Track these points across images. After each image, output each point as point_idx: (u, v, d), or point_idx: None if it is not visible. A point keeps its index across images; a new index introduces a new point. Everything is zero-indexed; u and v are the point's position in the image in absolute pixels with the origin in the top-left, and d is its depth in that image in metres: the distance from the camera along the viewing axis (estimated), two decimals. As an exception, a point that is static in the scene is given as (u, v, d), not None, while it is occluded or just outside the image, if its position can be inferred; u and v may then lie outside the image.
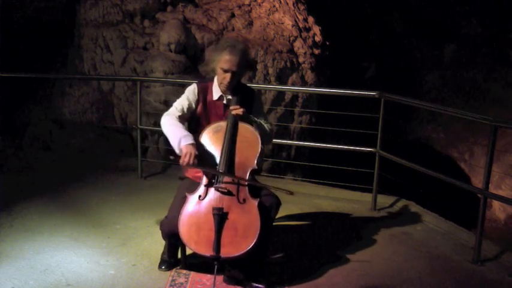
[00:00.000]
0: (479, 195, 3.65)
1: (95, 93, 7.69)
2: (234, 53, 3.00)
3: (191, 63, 7.44)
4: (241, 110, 2.97)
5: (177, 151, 2.93)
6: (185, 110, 3.14)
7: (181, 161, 2.87)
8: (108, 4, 7.93)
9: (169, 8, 8.13)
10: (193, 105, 3.17)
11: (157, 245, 3.52)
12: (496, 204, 9.57)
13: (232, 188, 2.89)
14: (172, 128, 3.01)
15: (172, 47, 7.33)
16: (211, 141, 3.02)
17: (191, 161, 2.85)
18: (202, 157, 2.96)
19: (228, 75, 3.02)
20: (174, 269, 3.25)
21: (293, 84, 8.06)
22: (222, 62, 3.02)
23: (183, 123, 3.08)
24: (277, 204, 3.06)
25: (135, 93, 5.63)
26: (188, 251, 3.13)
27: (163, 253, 3.33)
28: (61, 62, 8.33)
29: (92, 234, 3.83)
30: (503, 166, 9.51)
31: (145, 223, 4.06)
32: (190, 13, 8.12)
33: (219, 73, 3.07)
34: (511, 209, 9.20)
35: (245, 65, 3.09)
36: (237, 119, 3.01)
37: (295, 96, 8.15)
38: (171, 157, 2.97)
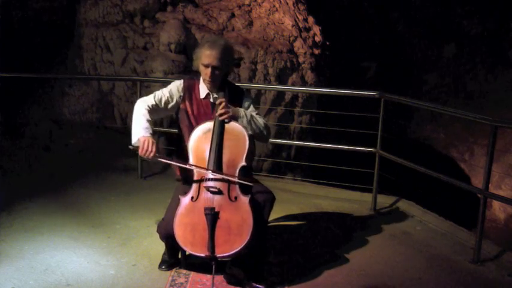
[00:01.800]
0: (479, 195, 3.65)
1: (95, 93, 7.69)
2: (214, 47, 3.00)
3: (191, 63, 7.43)
4: (226, 110, 2.94)
5: (133, 141, 2.96)
6: (162, 101, 3.14)
7: (140, 151, 2.89)
8: (108, 4, 7.93)
9: (169, 8, 8.13)
10: (175, 100, 3.16)
11: (157, 245, 3.52)
12: (496, 204, 9.57)
13: (223, 186, 2.88)
14: (137, 117, 3.02)
15: (172, 47, 7.33)
16: (201, 142, 3.01)
17: (150, 149, 2.87)
18: (194, 158, 2.98)
19: (209, 70, 3.02)
20: (174, 269, 3.26)
21: (293, 84, 8.05)
22: (202, 58, 3.03)
23: (154, 113, 3.09)
24: (271, 199, 3.04)
25: (135, 93, 5.63)
26: (187, 252, 3.13)
27: (164, 253, 3.33)
28: (61, 62, 8.32)
29: (92, 234, 3.83)
30: (503, 166, 9.50)
31: (145, 223, 4.06)
32: (190, 13, 8.12)
33: (201, 70, 3.07)
34: (511, 209, 9.20)
35: (227, 60, 3.06)
36: (223, 117, 2.98)
37: (295, 96, 8.15)
38: (130, 146, 2.99)
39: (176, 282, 3.10)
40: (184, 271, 3.23)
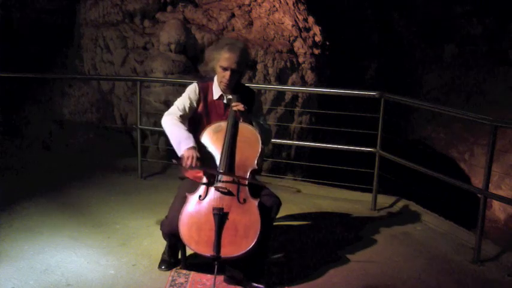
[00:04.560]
0: (479, 195, 3.65)
1: (95, 93, 7.69)
2: (234, 50, 3.01)
3: (191, 63, 7.44)
4: (242, 106, 2.97)
5: (178, 154, 2.95)
6: (187, 109, 3.14)
7: (184, 164, 2.89)
8: (108, 4, 7.92)
9: (169, 8, 8.13)
10: (195, 104, 3.17)
11: (157, 245, 3.52)
12: (496, 204, 9.56)
13: (233, 188, 2.89)
14: (173, 130, 3.02)
15: (172, 47, 7.33)
16: (212, 142, 3.02)
17: (193, 164, 2.87)
18: (204, 158, 2.98)
19: (228, 73, 3.02)
20: (174, 269, 3.26)
21: (293, 84, 8.05)
22: (221, 60, 3.02)
23: (184, 123, 3.08)
24: (278, 204, 3.06)
25: (135, 93, 5.64)
26: (188, 251, 3.13)
27: (163, 253, 3.33)
28: (61, 62, 8.32)
29: (92, 234, 3.83)
30: (503, 166, 9.50)
31: (145, 223, 4.06)
32: (190, 13, 8.12)
33: (218, 72, 3.07)
34: (511, 209, 9.20)
35: (244, 63, 3.08)
36: (237, 119, 3.01)
37: (295, 96, 8.15)
38: (174, 161, 3.00)
39: (176, 282, 3.10)
40: (184, 271, 3.23)
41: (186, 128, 3.04)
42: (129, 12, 7.91)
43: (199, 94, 3.18)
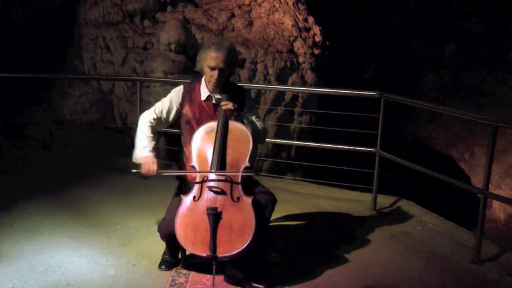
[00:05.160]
0: (479, 195, 3.65)
1: (95, 93, 7.69)
2: (220, 49, 3.00)
3: (191, 63, 7.44)
4: (232, 104, 2.97)
5: (133, 159, 3.10)
6: (164, 112, 3.19)
7: (141, 171, 3.01)
8: (108, 4, 7.93)
9: (169, 8, 8.13)
10: (175, 108, 3.20)
11: (157, 245, 3.52)
12: (496, 204, 9.58)
13: (226, 187, 2.89)
14: (138, 135, 3.12)
15: (172, 47, 7.33)
16: (204, 142, 3.02)
17: (151, 169, 2.99)
18: (197, 159, 3.00)
19: (215, 73, 3.02)
20: (174, 269, 3.26)
21: (293, 84, 8.06)
22: (208, 60, 3.02)
23: (157, 126, 3.16)
24: (273, 201, 3.05)
25: (135, 93, 5.64)
26: (188, 251, 3.13)
27: (164, 253, 3.33)
28: (61, 62, 8.32)
29: (92, 234, 3.83)
30: (503, 166, 9.51)
31: (145, 223, 4.06)
32: (190, 13, 8.13)
33: (206, 72, 3.07)
34: (511, 209, 9.20)
35: (232, 62, 3.08)
36: (227, 118, 3.01)
37: (295, 96, 8.15)
38: (133, 171, 3.10)
39: (176, 282, 3.10)
40: (184, 271, 3.23)
41: (150, 135, 3.10)
42: (129, 12, 7.92)
43: (183, 97, 3.18)
